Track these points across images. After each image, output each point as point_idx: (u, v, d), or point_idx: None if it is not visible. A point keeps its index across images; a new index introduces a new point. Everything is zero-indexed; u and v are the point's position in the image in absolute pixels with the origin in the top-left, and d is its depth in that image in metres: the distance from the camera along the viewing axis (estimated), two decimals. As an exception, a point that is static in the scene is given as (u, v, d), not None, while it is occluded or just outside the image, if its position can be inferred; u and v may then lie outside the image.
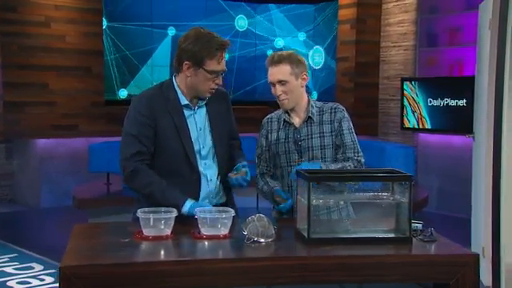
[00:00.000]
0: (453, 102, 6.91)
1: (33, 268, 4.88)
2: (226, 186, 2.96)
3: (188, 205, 2.70)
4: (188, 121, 2.85)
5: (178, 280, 2.20)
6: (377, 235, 2.46)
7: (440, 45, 7.39)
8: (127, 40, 7.91)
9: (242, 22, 8.52)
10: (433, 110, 7.12)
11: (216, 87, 2.83)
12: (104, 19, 7.71)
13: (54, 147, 7.61)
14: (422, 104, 7.21)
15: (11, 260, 5.09)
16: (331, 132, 3.02)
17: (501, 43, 4.02)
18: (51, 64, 7.38)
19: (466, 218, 5.15)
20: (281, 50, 8.59)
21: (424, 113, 7.22)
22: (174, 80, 2.88)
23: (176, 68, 2.84)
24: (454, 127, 6.95)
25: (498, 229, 4.03)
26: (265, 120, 3.14)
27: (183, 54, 2.77)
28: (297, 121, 3.05)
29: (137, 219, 2.54)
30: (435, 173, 7.40)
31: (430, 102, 7.13)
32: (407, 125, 7.38)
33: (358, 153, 3.02)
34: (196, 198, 2.81)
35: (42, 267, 4.89)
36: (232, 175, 2.82)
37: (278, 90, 2.96)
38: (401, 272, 2.30)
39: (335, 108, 3.06)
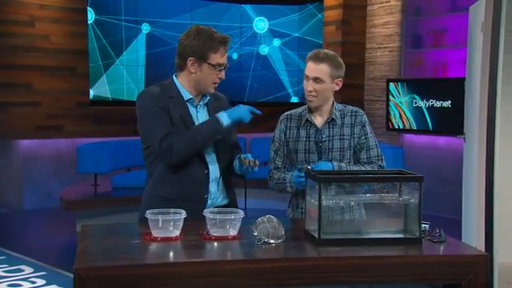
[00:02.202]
0: (438, 103, 6.98)
1: (23, 270, 4.81)
2: (228, 187, 2.97)
3: (224, 116, 2.78)
4: (192, 116, 2.88)
5: (192, 281, 2.19)
6: (387, 236, 2.47)
7: (424, 46, 7.47)
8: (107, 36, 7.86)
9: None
10: (418, 111, 7.18)
11: (219, 81, 2.86)
12: (92, 11, 7.64)
13: (37, 148, 7.51)
14: (407, 105, 7.28)
15: (0, 262, 5.01)
16: (351, 135, 3.04)
17: (494, 46, 4.08)
18: (35, 64, 7.27)
19: (452, 218, 5.22)
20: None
21: (408, 114, 7.28)
22: (174, 78, 2.90)
23: (179, 66, 2.87)
24: (438, 128, 7.02)
25: (491, 229, 4.09)
26: (283, 116, 3.14)
27: (186, 51, 2.81)
28: (319, 121, 3.06)
29: (144, 220, 2.54)
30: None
31: (415, 103, 7.19)
32: (392, 126, 7.43)
33: (379, 155, 3.06)
34: (205, 192, 2.85)
35: (32, 269, 4.82)
36: (245, 161, 2.80)
37: (310, 85, 2.97)
38: (412, 273, 2.32)
39: (356, 111, 3.09)
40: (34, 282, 4.54)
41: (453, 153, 6.92)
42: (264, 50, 8.64)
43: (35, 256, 5.13)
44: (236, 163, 2.87)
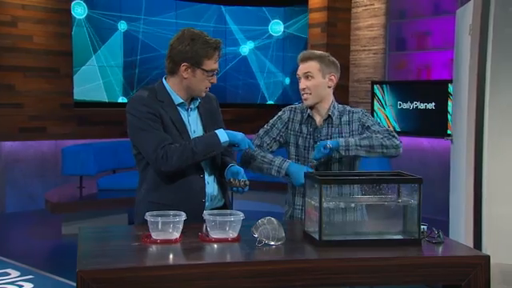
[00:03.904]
0: (422, 105, 7.04)
1: (9, 274, 4.74)
2: (223, 188, 2.97)
3: (223, 134, 2.78)
4: (183, 120, 2.86)
5: (194, 283, 2.18)
6: (387, 237, 2.48)
7: (408, 49, 7.52)
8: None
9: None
10: (402, 113, 7.23)
11: (210, 86, 2.85)
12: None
13: (20, 150, 7.41)
14: (391, 107, 7.33)
15: (-15, 266, 4.95)
16: (349, 132, 3.04)
17: (482, 48, 4.13)
18: (18, 65, 7.19)
19: (436, 219, 5.25)
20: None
21: (391, 116, 7.34)
22: (164, 82, 2.87)
23: (170, 70, 2.84)
24: (423, 130, 7.08)
25: (479, 230, 4.13)
26: (287, 108, 3.15)
27: (180, 56, 2.78)
28: (318, 119, 3.07)
29: (142, 222, 2.52)
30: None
31: (400, 105, 7.24)
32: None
33: (385, 127, 3.06)
34: (203, 196, 2.83)
35: (18, 273, 4.75)
36: (235, 183, 2.81)
37: (303, 83, 2.99)
38: (412, 274, 2.32)
39: (353, 111, 3.10)
40: (21, 286, 4.48)
41: (437, 154, 6.99)
42: (244, 51, 8.66)
43: (21, 259, 5.06)
44: (227, 176, 2.87)
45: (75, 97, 7.55)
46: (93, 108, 7.67)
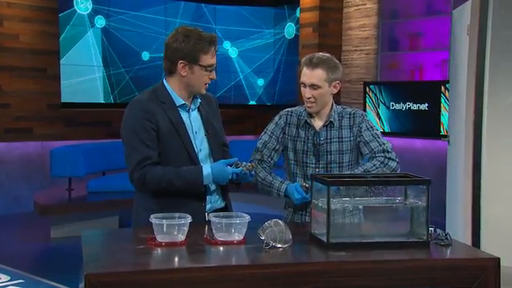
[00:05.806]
0: (415, 106, 7.02)
1: (-1, 278, 4.63)
2: (224, 190, 2.93)
3: (208, 175, 2.71)
4: (184, 122, 2.81)
5: (202, 286, 2.14)
6: (395, 239, 2.43)
7: (401, 49, 7.49)
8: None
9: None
10: (395, 114, 7.20)
11: (210, 82, 2.82)
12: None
13: (5, 151, 7.26)
14: (384, 108, 7.30)
15: (-27, 270, 4.82)
16: (350, 137, 2.98)
17: (480, 48, 4.10)
18: (4, 64, 7.06)
19: (430, 220, 5.24)
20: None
21: (384, 117, 7.31)
22: (165, 83, 2.83)
23: (169, 70, 2.81)
24: (415, 131, 7.06)
25: (478, 231, 4.11)
26: (284, 112, 3.08)
27: (176, 54, 2.75)
28: (317, 123, 3.00)
29: (144, 224, 2.49)
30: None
31: (393, 105, 7.21)
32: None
33: (382, 146, 2.95)
34: (203, 199, 2.79)
35: (8, 277, 4.61)
36: (241, 165, 2.75)
37: (308, 92, 2.91)
38: (422, 276, 2.29)
39: (354, 113, 3.02)
40: (12, 291, 4.37)
41: (430, 155, 6.96)
42: (233, 53, 8.62)
43: (10, 263, 4.93)
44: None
45: (62, 97, 7.42)
46: (80, 108, 7.56)
